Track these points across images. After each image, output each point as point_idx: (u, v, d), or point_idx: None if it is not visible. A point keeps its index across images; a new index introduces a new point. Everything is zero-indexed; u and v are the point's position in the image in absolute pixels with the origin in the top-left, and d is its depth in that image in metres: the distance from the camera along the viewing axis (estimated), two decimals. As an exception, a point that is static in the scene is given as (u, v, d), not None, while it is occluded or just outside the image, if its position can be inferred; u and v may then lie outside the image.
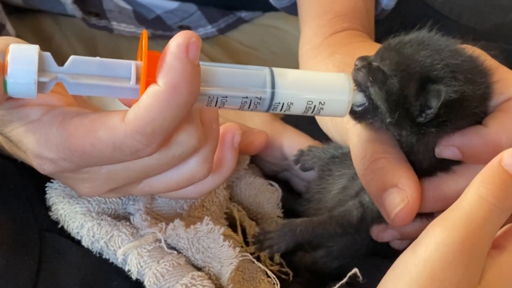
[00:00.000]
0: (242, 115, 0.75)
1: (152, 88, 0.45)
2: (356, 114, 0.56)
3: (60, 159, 0.48)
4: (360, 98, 0.54)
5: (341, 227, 0.63)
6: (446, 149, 0.56)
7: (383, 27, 0.89)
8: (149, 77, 0.45)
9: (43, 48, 0.46)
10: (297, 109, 0.51)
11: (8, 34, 0.84)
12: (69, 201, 0.60)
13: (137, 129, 0.45)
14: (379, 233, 0.63)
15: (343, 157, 0.66)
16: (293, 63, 0.76)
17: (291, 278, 0.61)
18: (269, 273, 0.60)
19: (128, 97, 0.47)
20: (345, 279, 0.58)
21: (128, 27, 0.93)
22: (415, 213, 0.55)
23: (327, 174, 0.67)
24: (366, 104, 0.55)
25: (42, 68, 0.45)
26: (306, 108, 0.51)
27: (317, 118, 0.69)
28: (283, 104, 0.50)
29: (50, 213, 0.61)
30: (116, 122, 0.46)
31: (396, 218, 0.55)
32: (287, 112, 0.51)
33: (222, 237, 0.58)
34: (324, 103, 0.51)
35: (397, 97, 0.54)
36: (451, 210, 0.47)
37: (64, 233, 0.60)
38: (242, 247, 0.62)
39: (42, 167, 0.50)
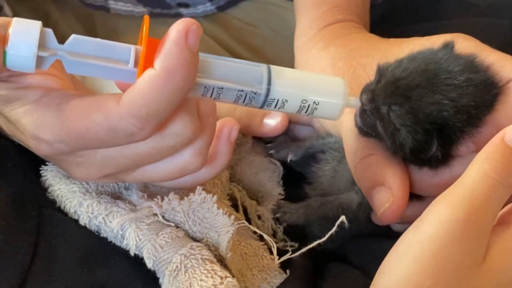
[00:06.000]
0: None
1: (148, 72, 0.45)
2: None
3: (56, 141, 0.49)
4: (354, 103, 0.55)
5: (341, 210, 0.64)
6: (461, 146, 0.56)
7: (387, 6, 0.89)
8: (147, 62, 0.45)
9: (41, 27, 0.46)
10: (291, 107, 0.51)
11: (5, 15, 0.83)
12: (66, 181, 0.60)
13: (132, 112, 0.46)
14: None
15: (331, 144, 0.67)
16: (293, 41, 0.75)
17: (296, 253, 0.61)
18: (265, 236, 0.60)
19: (125, 80, 0.47)
20: (334, 229, 0.58)
21: (126, 5, 0.92)
22: (401, 210, 0.57)
23: (321, 157, 0.68)
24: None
25: (42, 44, 0.46)
26: (300, 107, 0.51)
27: None
28: (277, 100, 0.51)
29: (47, 194, 0.60)
30: (111, 105, 0.46)
31: (382, 216, 0.57)
32: (281, 110, 0.51)
33: (215, 205, 0.57)
34: (318, 103, 0.52)
35: (403, 140, 0.55)
36: (454, 187, 0.47)
37: (63, 211, 0.59)
38: (243, 223, 0.61)
39: (39, 149, 0.50)
